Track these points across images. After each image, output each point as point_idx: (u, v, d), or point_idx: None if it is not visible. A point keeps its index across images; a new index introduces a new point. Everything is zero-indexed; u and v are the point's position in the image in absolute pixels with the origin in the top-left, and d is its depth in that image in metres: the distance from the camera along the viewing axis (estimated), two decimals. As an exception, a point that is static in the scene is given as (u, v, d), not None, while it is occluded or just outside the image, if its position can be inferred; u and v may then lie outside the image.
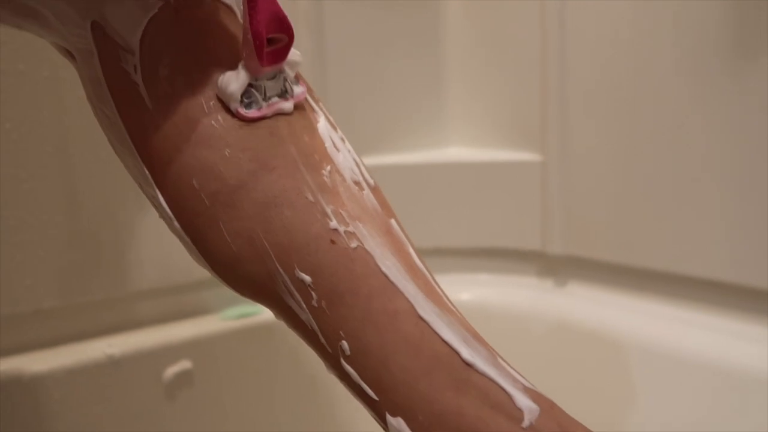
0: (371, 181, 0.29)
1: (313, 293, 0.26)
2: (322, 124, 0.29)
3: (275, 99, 0.28)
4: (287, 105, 0.28)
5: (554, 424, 0.25)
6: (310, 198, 0.27)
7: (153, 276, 0.58)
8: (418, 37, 0.72)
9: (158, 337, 0.57)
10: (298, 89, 0.29)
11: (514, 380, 0.26)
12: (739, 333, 0.55)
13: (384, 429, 0.27)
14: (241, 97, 0.27)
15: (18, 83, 0.52)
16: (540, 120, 0.66)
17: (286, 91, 0.28)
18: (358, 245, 0.26)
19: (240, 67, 0.27)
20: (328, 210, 0.27)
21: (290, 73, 0.28)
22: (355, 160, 0.30)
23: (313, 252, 0.26)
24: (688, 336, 0.57)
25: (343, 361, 0.27)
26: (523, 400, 0.25)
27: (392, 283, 0.26)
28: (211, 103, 0.27)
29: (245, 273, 0.27)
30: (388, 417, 0.26)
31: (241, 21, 0.28)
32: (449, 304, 0.28)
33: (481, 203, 0.69)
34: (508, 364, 0.27)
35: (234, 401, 0.59)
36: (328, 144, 0.29)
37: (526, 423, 0.25)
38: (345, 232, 0.27)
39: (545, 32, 0.64)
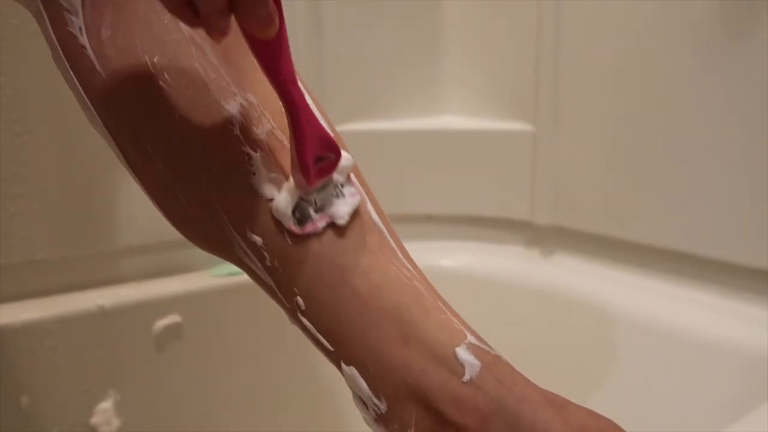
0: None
1: (265, 254, 0.28)
2: None
3: (326, 208, 0.28)
4: (341, 209, 0.28)
5: (493, 379, 0.27)
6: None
7: (145, 232, 0.59)
8: (415, 4, 0.71)
9: (149, 291, 0.59)
10: (349, 191, 0.29)
11: (461, 336, 0.27)
12: (720, 307, 0.56)
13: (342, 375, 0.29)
14: (293, 212, 0.27)
15: (13, 38, 0.52)
16: (533, 90, 0.66)
17: (337, 195, 0.28)
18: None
19: (288, 185, 0.27)
20: (274, 175, 0.28)
21: (340, 178, 0.29)
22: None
23: (264, 214, 0.27)
24: (669, 309, 0.57)
25: (299, 315, 0.28)
26: (465, 356, 0.27)
27: (341, 241, 0.27)
28: (156, 59, 0.27)
29: (203, 237, 0.29)
30: (343, 365, 0.28)
31: None
32: (402, 261, 0.29)
33: (471, 171, 0.69)
34: (459, 321, 0.29)
35: (221, 355, 0.61)
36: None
37: (466, 377, 0.27)
38: None
39: (541, 2, 0.64)
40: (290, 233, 0.27)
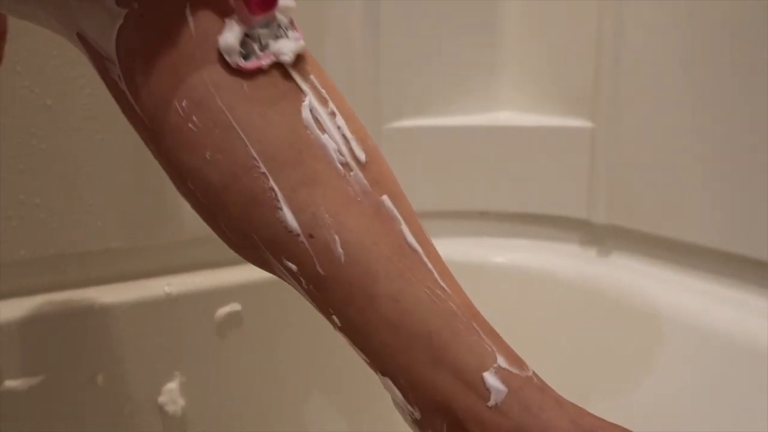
0: (362, 157, 0.30)
1: (301, 278, 0.29)
2: (306, 105, 0.29)
3: (271, 45, 0.28)
4: (285, 46, 0.28)
5: (518, 405, 0.27)
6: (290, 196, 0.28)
7: (209, 224, 0.63)
8: (474, -2, 0.71)
9: (212, 280, 0.62)
10: (293, 35, 0.29)
11: (491, 360, 0.28)
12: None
13: None
14: (240, 49, 0.28)
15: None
16: (592, 87, 0.65)
17: (279, 37, 0.29)
18: (337, 237, 0.28)
19: (232, 19, 0.28)
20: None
21: (284, 19, 0.29)
22: (345, 136, 0.30)
23: (294, 245, 0.29)
24: (728, 314, 0.56)
25: (336, 330, 0.30)
26: (492, 381, 0.27)
27: (372, 269, 0.28)
28: (184, 104, 0.28)
29: (248, 257, 0.31)
30: (379, 374, 0.30)
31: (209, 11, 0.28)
32: (438, 281, 0.29)
33: (528, 168, 0.69)
34: (492, 340, 0.29)
35: (279, 343, 0.64)
36: (310, 129, 0.29)
37: (491, 402, 0.27)
38: (324, 224, 0.28)
39: (603, -4, 0.63)
40: (240, 70, 0.28)
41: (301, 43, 0.30)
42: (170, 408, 0.59)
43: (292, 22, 0.30)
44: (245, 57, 0.28)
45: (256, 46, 0.28)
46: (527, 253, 0.68)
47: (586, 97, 0.66)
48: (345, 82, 0.67)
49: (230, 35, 0.28)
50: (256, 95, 0.28)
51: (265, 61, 0.28)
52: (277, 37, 0.29)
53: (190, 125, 0.28)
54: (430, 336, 0.28)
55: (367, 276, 0.28)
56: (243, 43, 0.28)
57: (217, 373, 0.62)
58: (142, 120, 0.30)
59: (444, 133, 0.71)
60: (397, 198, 0.30)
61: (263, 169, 0.28)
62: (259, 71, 0.28)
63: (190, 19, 0.28)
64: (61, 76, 0.55)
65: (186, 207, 0.31)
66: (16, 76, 0.54)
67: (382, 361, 0.29)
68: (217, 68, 0.28)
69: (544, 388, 0.29)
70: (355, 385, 0.67)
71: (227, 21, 0.28)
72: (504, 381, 0.27)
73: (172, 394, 0.59)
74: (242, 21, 0.28)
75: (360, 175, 0.29)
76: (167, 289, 0.60)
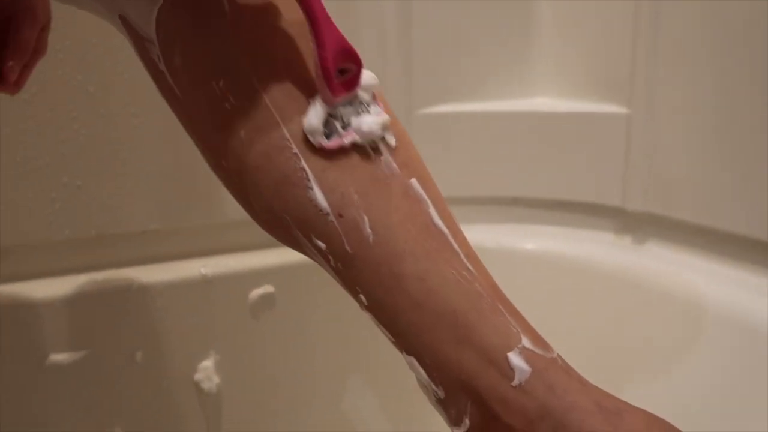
0: (392, 142, 0.30)
1: (329, 257, 0.30)
2: None
3: (353, 122, 0.29)
4: (366, 122, 0.29)
5: (543, 385, 0.28)
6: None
7: (244, 207, 0.64)
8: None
9: (246, 262, 0.63)
10: (375, 109, 0.30)
11: (515, 340, 0.28)
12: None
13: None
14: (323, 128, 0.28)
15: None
16: (628, 72, 0.63)
17: (361, 113, 0.29)
18: (366, 217, 0.29)
19: (316, 100, 0.29)
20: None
21: (366, 96, 0.30)
22: (381, 122, 0.30)
23: (324, 224, 0.29)
24: (766, 305, 0.54)
25: (362, 309, 0.30)
26: (516, 361, 0.28)
27: (399, 248, 0.29)
28: (221, 83, 0.29)
29: (278, 236, 0.31)
30: (404, 354, 0.30)
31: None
32: (464, 262, 0.30)
33: (562, 154, 0.68)
34: (517, 321, 0.29)
35: (310, 325, 0.65)
36: None
37: (515, 382, 0.28)
38: (353, 204, 0.29)
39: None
40: (322, 150, 0.28)
41: (384, 117, 0.30)
42: (206, 385, 0.61)
43: (374, 97, 0.30)
44: (327, 135, 0.29)
45: (338, 124, 0.29)
46: (559, 240, 0.68)
47: (623, 82, 0.64)
48: (377, 67, 0.67)
49: (314, 117, 0.28)
50: (295, 73, 0.29)
51: (347, 140, 0.29)
52: (359, 113, 0.29)
53: (226, 104, 0.29)
54: (456, 315, 0.28)
55: (395, 256, 0.29)
56: (326, 123, 0.28)
57: (250, 353, 0.63)
58: (180, 100, 0.30)
59: (477, 119, 0.70)
60: (425, 181, 0.31)
61: (295, 149, 0.29)
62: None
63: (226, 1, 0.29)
64: (101, 64, 0.57)
65: (222, 190, 0.32)
66: (59, 64, 0.56)
67: (407, 340, 0.29)
68: (253, 47, 0.29)
69: (568, 370, 0.29)
70: (385, 364, 0.67)
71: (311, 102, 0.29)
72: (528, 361, 0.28)
73: (207, 371, 0.61)
74: (326, 102, 0.29)
75: (389, 158, 0.30)
76: (203, 270, 0.61)
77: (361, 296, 0.30)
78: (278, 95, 0.29)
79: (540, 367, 0.28)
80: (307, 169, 0.29)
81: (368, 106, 0.29)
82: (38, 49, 0.46)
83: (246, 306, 0.63)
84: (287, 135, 0.29)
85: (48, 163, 0.58)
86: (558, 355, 0.29)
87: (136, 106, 0.59)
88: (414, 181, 0.30)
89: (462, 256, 0.30)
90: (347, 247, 0.29)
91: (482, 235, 0.69)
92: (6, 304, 0.55)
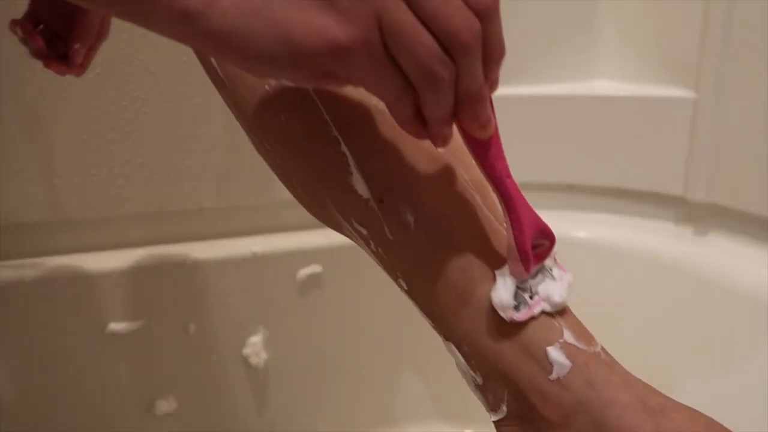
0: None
1: (370, 241, 0.30)
2: None
3: (540, 291, 0.28)
4: (554, 291, 0.28)
5: (582, 380, 0.27)
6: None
7: (295, 188, 0.65)
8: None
9: (295, 242, 0.64)
10: (558, 273, 0.29)
11: (557, 334, 0.28)
12: None
13: None
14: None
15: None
16: (697, 54, 0.60)
17: (548, 278, 0.29)
18: (407, 204, 0.29)
19: (505, 273, 0.28)
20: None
21: (550, 263, 0.29)
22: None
23: (364, 209, 0.29)
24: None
25: (403, 293, 0.30)
26: (556, 355, 0.28)
27: (441, 237, 0.29)
28: (272, 81, 0.29)
29: (320, 217, 0.31)
30: (443, 339, 0.30)
31: None
32: (514, 252, 0.28)
33: (621, 140, 0.65)
34: (562, 315, 0.29)
35: (357, 305, 0.66)
36: None
37: (553, 376, 0.27)
38: (394, 191, 0.29)
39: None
40: (509, 320, 0.28)
41: (568, 278, 0.29)
42: (254, 360, 0.63)
43: (556, 261, 0.29)
44: (516, 308, 0.28)
45: (526, 296, 0.28)
46: (615, 229, 0.65)
47: (691, 65, 0.61)
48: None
49: (504, 293, 0.28)
50: None
51: (536, 309, 0.28)
52: (544, 280, 0.29)
53: (266, 87, 0.29)
54: (494, 309, 0.28)
55: (437, 244, 0.29)
56: (515, 295, 0.28)
57: (297, 330, 0.65)
58: (224, 82, 0.31)
59: (533, 102, 0.68)
60: (469, 169, 0.30)
61: (335, 132, 0.29)
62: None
63: None
64: (161, 45, 0.59)
65: (271, 172, 0.32)
66: (122, 45, 0.58)
67: (446, 327, 0.29)
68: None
69: (612, 364, 0.28)
70: (429, 345, 0.67)
71: (498, 276, 0.28)
72: (569, 356, 0.27)
73: (255, 347, 0.63)
74: (516, 277, 0.28)
75: (432, 144, 0.29)
76: (254, 248, 0.63)
77: (401, 281, 0.30)
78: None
79: (581, 362, 0.27)
80: (348, 153, 0.29)
81: (551, 270, 0.29)
82: (102, 33, 0.48)
83: (294, 285, 0.64)
84: (327, 118, 0.29)
85: (111, 140, 0.60)
86: (602, 349, 0.29)
87: (194, 87, 0.61)
88: (459, 168, 0.30)
89: (506, 249, 0.29)
90: (388, 233, 0.29)
91: (534, 223, 0.68)
92: (69, 274, 0.59)
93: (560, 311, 0.28)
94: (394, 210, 0.29)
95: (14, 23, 0.47)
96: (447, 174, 0.29)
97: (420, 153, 0.29)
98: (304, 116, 0.29)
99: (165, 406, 0.61)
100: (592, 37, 0.69)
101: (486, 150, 0.27)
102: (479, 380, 0.29)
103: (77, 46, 0.47)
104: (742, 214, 0.59)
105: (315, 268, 0.64)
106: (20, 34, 0.47)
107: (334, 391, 0.67)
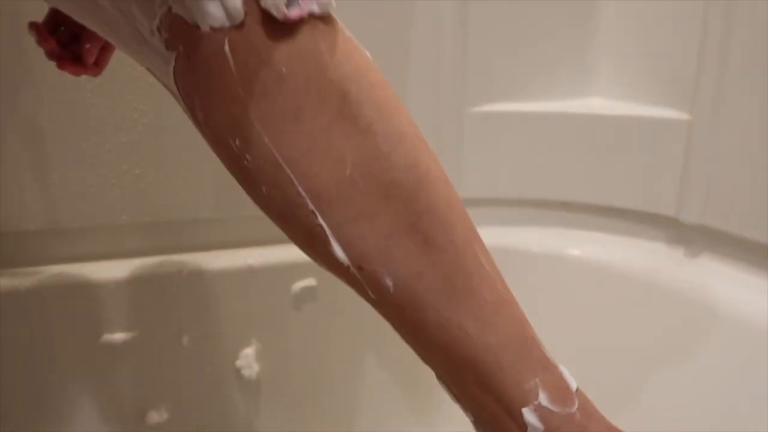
0: (410, 187, 0.30)
1: (361, 296, 0.31)
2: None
3: None
4: None
5: None
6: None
7: (291, 200, 0.65)
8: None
9: (290, 255, 0.64)
10: None
11: (532, 397, 0.29)
12: None
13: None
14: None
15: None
16: (694, 76, 0.61)
17: None
18: (384, 270, 0.29)
19: None
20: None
21: None
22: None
23: (347, 275, 0.31)
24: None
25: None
26: (530, 418, 0.29)
27: (419, 299, 0.30)
28: (237, 142, 0.29)
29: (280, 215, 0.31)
30: (436, 377, 0.32)
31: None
32: (488, 312, 0.30)
33: (615, 159, 0.66)
34: (543, 375, 0.30)
35: (350, 320, 0.66)
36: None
37: None
38: (371, 258, 0.30)
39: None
40: (281, 21, 0.28)
41: None
42: (246, 372, 0.63)
43: None
44: (287, 6, 0.28)
45: None
46: (606, 247, 0.66)
47: (686, 87, 0.62)
48: (432, 63, 0.67)
49: None
50: (302, 128, 0.29)
51: (306, 9, 0.28)
52: None
53: (245, 162, 0.29)
54: (476, 365, 0.29)
55: (415, 305, 0.30)
56: None
57: (291, 343, 0.65)
58: (209, 147, 0.31)
59: (529, 119, 0.69)
60: (448, 227, 0.30)
61: (311, 206, 0.29)
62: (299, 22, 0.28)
63: (229, 56, 0.28)
64: (161, 56, 0.59)
65: None
66: (121, 57, 0.58)
67: (435, 371, 0.31)
68: (261, 104, 0.28)
69: (586, 425, 0.29)
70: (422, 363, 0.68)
71: None
72: (542, 418, 0.29)
73: (248, 358, 0.63)
74: None
75: (408, 206, 0.30)
76: (249, 260, 0.63)
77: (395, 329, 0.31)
78: (290, 152, 0.29)
79: (553, 426, 0.29)
80: (324, 225, 0.29)
81: None
82: None
83: (288, 297, 0.64)
84: (302, 192, 0.29)
85: (109, 151, 0.61)
86: (580, 407, 0.29)
87: (191, 99, 0.61)
88: (435, 228, 0.30)
89: (487, 306, 0.30)
90: (371, 295, 0.30)
91: (527, 239, 0.68)
92: (65, 284, 0.59)
93: None
94: (373, 275, 0.30)
95: (30, 25, 0.47)
96: (422, 236, 0.30)
97: (395, 218, 0.30)
98: (282, 190, 0.29)
99: (156, 416, 0.61)
100: (590, 57, 0.70)
101: None
102: (471, 418, 0.31)
103: (88, 45, 0.47)
104: (734, 237, 0.59)
105: (309, 281, 0.64)
106: (35, 36, 0.46)
107: (327, 404, 0.67)
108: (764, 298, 0.56)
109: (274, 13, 0.28)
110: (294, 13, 0.28)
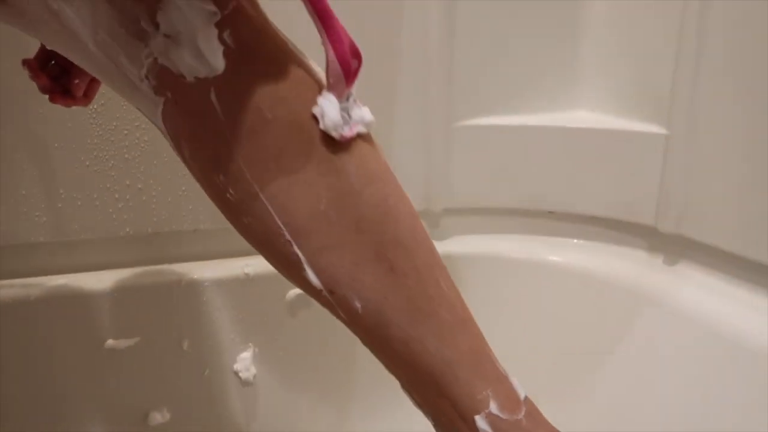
0: (377, 220, 0.33)
1: (340, 313, 0.34)
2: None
3: (354, 115, 0.31)
4: (365, 114, 0.31)
5: None
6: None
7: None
8: (555, -2, 0.70)
9: (286, 264, 0.68)
10: (354, 98, 0.32)
11: (483, 405, 0.32)
12: None
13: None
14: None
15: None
16: (669, 92, 0.63)
17: (355, 104, 0.31)
18: (353, 293, 0.32)
19: (327, 95, 0.30)
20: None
21: (353, 92, 0.32)
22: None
23: (321, 297, 0.34)
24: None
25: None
26: (481, 424, 0.32)
27: (385, 318, 0.32)
28: (221, 177, 0.32)
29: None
30: (400, 386, 0.35)
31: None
32: (447, 330, 0.33)
33: (599, 171, 0.68)
34: (494, 386, 0.33)
35: (342, 325, 0.69)
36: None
37: None
38: (341, 283, 0.32)
39: (687, 1, 0.61)
40: (337, 140, 0.30)
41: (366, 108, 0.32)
42: (244, 375, 0.66)
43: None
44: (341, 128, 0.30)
45: (346, 116, 0.31)
46: (589, 254, 0.68)
47: (663, 102, 0.64)
48: (418, 78, 0.69)
49: (333, 112, 0.30)
50: (282, 167, 0.31)
51: (355, 129, 0.31)
52: (355, 106, 0.31)
53: (227, 195, 0.32)
54: (434, 376, 0.33)
55: (382, 325, 0.33)
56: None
57: (286, 347, 0.68)
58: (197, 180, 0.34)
59: (515, 132, 0.71)
60: (412, 256, 0.33)
61: (288, 237, 0.32)
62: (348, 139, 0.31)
63: (215, 102, 0.30)
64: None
65: None
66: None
67: (400, 381, 0.35)
68: (246, 145, 0.31)
69: (531, 430, 0.33)
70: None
71: (321, 100, 0.30)
72: (492, 425, 0.32)
73: (245, 362, 0.66)
74: (338, 96, 0.30)
75: (376, 238, 0.32)
76: (246, 269, 0.66)
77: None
78: (270, 188, 0.31)
79: (502, 431, 0.32)
80: (300, 253, 0.32)
81: (354, 99, 0.31)
82: None
83: (284, 304, 0.67)
84: (280, 224, 0.32)
85: (113, 166, 0.64)
86: (527, 413, 0.33)
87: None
88: (399, 256, 0.33)
89: (447, 324, 0.33)
90: (342, 315, 0.34)
91: (514, 246, 0.71)
92: (69, 293, 0.62)
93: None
94: (343, 298, 0.33)
95: (24, 62, 0.50)
96: (388, 263, 0.32)
97: (363, 247, 0.32)
98: (262, 221, 0.32)
99: (159, 417, 0.65)
100: (575, 70, 0.72)
101: None
102: (432, 422, 0.35)
103: (77, 81, 0.50)
104: (709, 247, 0.62)
105: (303, 289, 0.67)
106: (27, 72, 0.50)
107: (320, 405, 0.70)
108: (735, 303, 0.59)
109: (334, 134, 0.31)
110: (347, 133, 0.31)
